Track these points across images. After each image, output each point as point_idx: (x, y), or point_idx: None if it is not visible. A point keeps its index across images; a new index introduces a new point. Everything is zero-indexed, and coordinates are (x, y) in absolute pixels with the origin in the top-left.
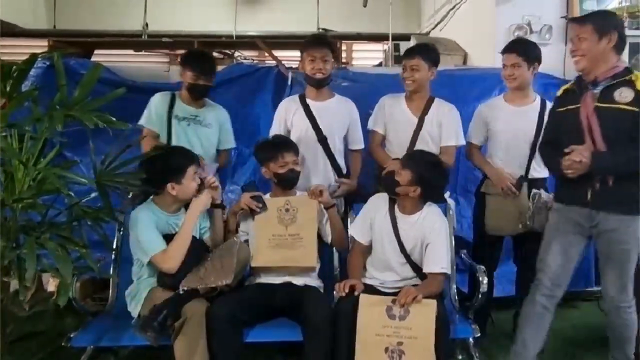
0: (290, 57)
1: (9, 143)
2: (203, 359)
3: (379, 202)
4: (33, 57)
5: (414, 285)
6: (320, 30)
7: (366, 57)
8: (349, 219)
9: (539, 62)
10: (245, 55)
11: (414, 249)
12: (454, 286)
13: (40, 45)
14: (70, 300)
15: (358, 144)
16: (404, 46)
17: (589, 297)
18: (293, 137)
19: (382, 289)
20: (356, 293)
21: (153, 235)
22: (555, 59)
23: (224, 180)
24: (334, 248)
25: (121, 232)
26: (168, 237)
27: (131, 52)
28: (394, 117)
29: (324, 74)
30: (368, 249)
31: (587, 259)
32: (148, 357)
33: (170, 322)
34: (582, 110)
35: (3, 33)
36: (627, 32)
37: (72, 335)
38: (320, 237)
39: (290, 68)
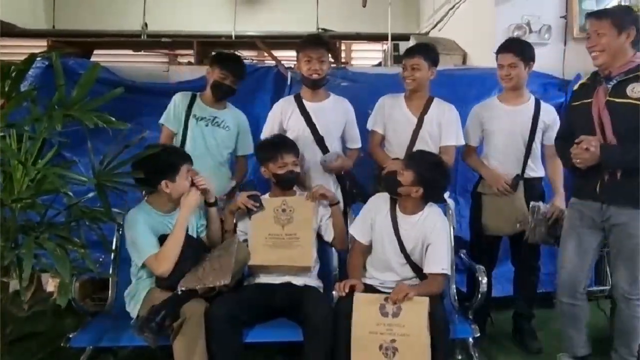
0: (289, 57)
1: (8, 143)
2: (202, 359)
3: (379, 202)
4: (32, 57)
5: (413, 285)
6: (320, 30)
7: (365, 57)
8: (348, 219)
9: (533, 61)
10: (245, 55)
11: (414, 249)
12: (454, 286)
13: (39, 45)
14: (70, 301)
15: (355, 142)
16: (404, 46)
17: (589, 297)
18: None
19: (382, 289)
20: (356, 293)
21: (146, 238)
22: (555, 59)
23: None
24: (334, 248)
25: (120, 232)
26: (164, 238)
27: (130, 52)
28: (394, 117)
29: (320, 75)
30: (368, 249)
31: None
32: (147, 358)
33: (168, 322)
34: (594, 105)
35: (2, 33)
36: None
37: (71, 336)
38: (320, 237)
39: (290, 68)
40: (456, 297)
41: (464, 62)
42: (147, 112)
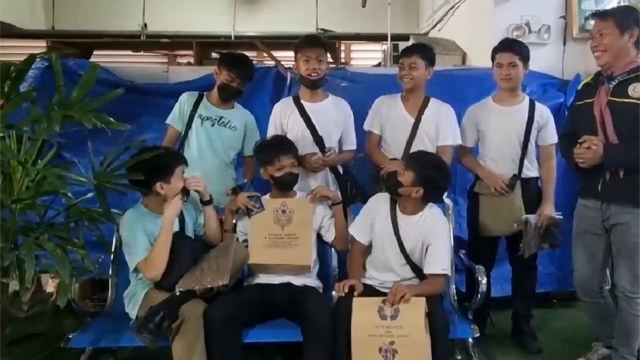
0: (289, 57)
1: (7, 144)
2: None
3: (379, 202)
4: (31, 58)
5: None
6: (319, 30)
7: (365, 58)
8: (348, 220)
9: (529, 61)
10: None
11: (414, 249)
12: (453, 286)
13: (38, 46)
14: (69, 301)
15: (350, 144)
16: (403, 46)
17: None
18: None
19: (382, 289)
20: (356, 293)
21: (138, 242)
22: (554, 59)
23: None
24: (333, 249)
25: (119, 233)
26: None
27: (130, 52)
28: (391, 118)
29: (318, 74)
30: (368, 249)
31: None
32: (147, 358)
33: (167, 323)
34: (596, 104)
35: (1, 34)
36: None
37: (71, 336)
38: (320, 237)
39: (290, 68)
40: (456, 297)
41: (464, 62)
42: (146, 113)
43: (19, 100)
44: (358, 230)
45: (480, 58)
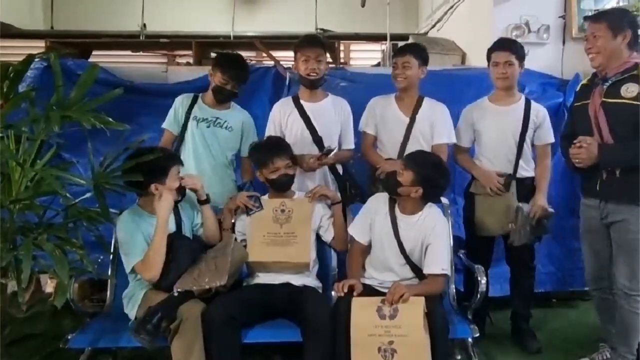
0: (288, 57)
1: (6, 144)
2: None
3: (379, 202)
4: (30, 58)
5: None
6: (319, 30)
7: (364, 57)
8: (347, 220)
9: (524, 60)
10: (244, 56)
11: (413, 249)
12: (453, 286)
13: (37, 46)
14: (68, 302)
15: (348, 144)
16: None
17: (587, 297)
18: (288, 139)
19: (381, 289)
20: (355, 293)
21: (135, 244)
22: (553, 59)
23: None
24: (332, 249)
25: (116, 234)
26: None
27: (129, 52)
28: (385, 118)
29: (317, 74)
30: (367, 249)
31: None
32: (146, 359)
33: (165, 324)
34: (591, 106)
35: (0, 34)
36: None
37: (69, 337)
38: (319, 237)
39: (289, 68)
40: (455, 297)
41: (463, 62)
42: (145, 113)
43: (18, 100)
44: (357, 230)
45: (479, 58)
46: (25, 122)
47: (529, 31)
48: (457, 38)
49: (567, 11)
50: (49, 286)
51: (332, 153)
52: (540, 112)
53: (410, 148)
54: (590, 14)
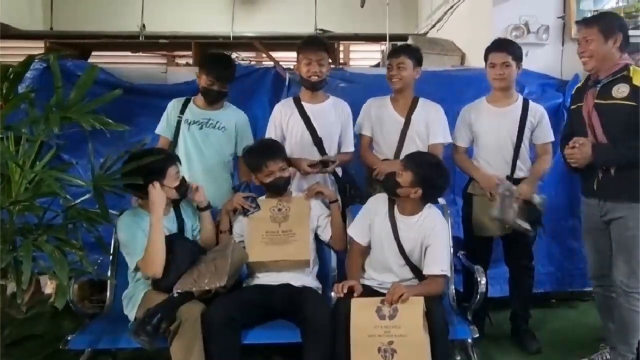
0: (288, 57)
1: (6, 145)
2: None
3: (378, 203)
4: (29, 59)
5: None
6: (318, 31)
7: (364, 58)
8: (347, 221)
9: (522, 61)
10: (243, 57)
11: (413, 250)
12: (452, 287)
13: (36, 47)
14: (68, 303)
15: (348, 146)
16: None
17: (587, 297)
18: (289, 140)
19: (381, 290)
20: (355, 294)
21: (137, 242)
22: (553, 60)
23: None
24: (332, 250)
25: (117, 235)
26: (166, 238)
27: (128, 53)
28: (381, 119)
29: (319, 77)
30: (367, 250)
31: (584, 258)
32: None
33: (165, 325)
34: (584, 107)
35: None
36: None
37: (69, 338)
38: (318, 237)
39: (288, 69)
40: (454, 298)
41: (462, 62)
42: (145, 114)
43: (17, 101)
44: (357, 231)
45: (479, 58)
46: (25, 123)
47: (529, 32)
48: (457, 38)
49: (567, 12)
50: (48, 287)
51: (333, 166)
52: (537, 112)
53: (406, 148)
54: (590, 14)
